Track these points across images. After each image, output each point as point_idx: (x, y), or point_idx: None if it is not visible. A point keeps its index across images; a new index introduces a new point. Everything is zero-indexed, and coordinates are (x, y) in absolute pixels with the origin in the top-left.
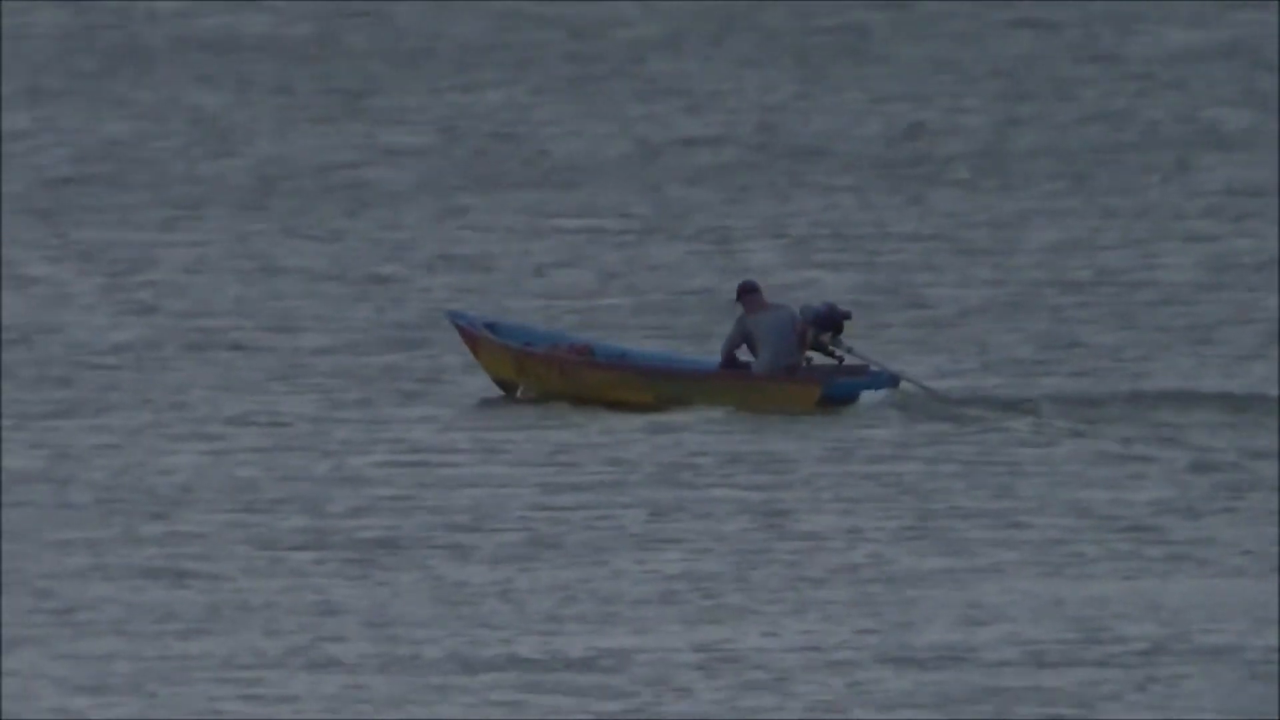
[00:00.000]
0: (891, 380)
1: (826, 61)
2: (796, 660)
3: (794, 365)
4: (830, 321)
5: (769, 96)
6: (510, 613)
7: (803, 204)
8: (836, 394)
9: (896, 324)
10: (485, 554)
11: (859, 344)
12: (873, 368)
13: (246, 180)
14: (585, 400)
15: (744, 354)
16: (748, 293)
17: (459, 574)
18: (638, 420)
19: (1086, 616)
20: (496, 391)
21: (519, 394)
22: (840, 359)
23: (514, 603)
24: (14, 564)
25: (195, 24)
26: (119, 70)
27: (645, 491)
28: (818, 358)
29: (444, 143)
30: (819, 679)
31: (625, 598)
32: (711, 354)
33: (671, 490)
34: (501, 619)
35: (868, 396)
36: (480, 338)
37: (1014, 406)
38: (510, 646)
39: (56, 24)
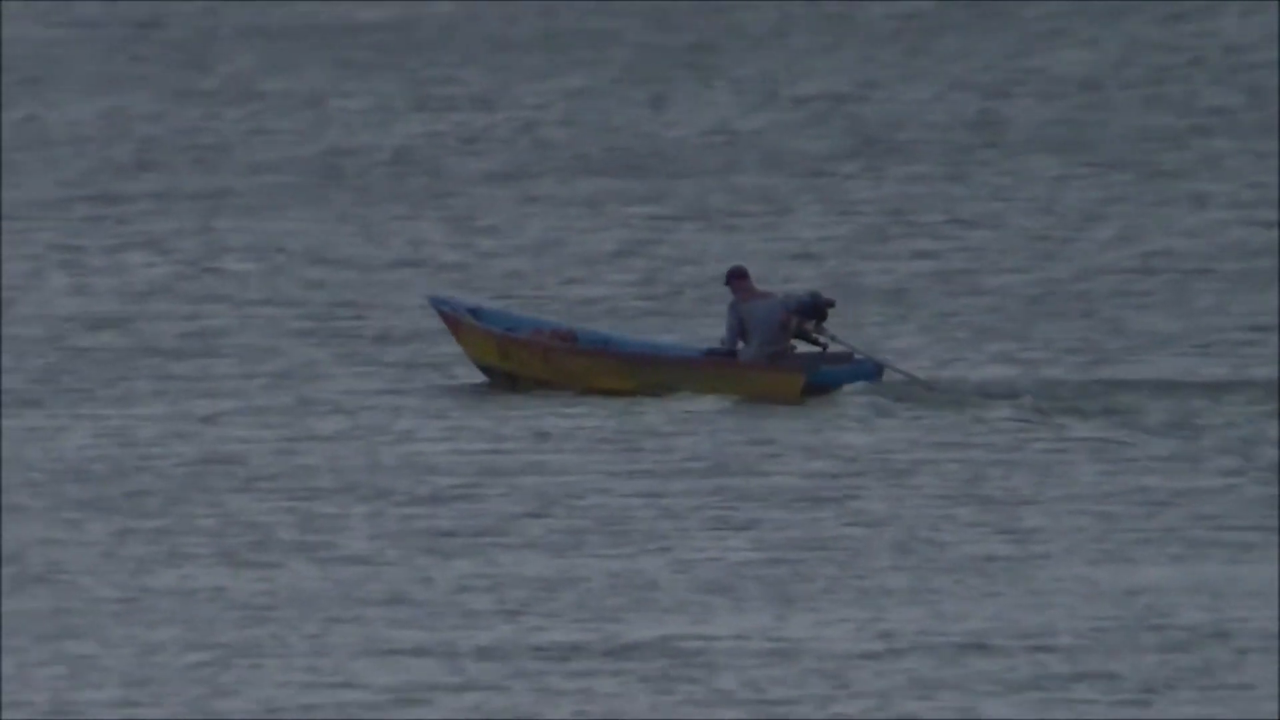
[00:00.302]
0: (875, 368)
1: (893, 48)
2: (856, 648)
3: (779, 353)
4: (814, 309)
5: (836, 83)
6: (571, 600)
7: (872, 191)
8: (821, 382)
9: (964, 311)
10: (548, 541)
11: (847, 332)
12: (857, 355)
13: (316, 167)
14: (568, 387)
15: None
16: (737, 277)
17: (521, 562)
18: (698, 407)
19: (1147, 602)
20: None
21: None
22: (824, 346)
23: (576, 590)
24: (76, 552)
25: (265, 10)
26: (187, 58)
27: (707, 479)
28: (802, 346)
29: (516, 130)
30: (880, 666)
31: (686, 585)
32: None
33: (733, 478)
34: (562, 607)
35: (852, 384)
36: (463, 323)
37: (1004, 395)
38: (571, 634)
39: (125, 12)
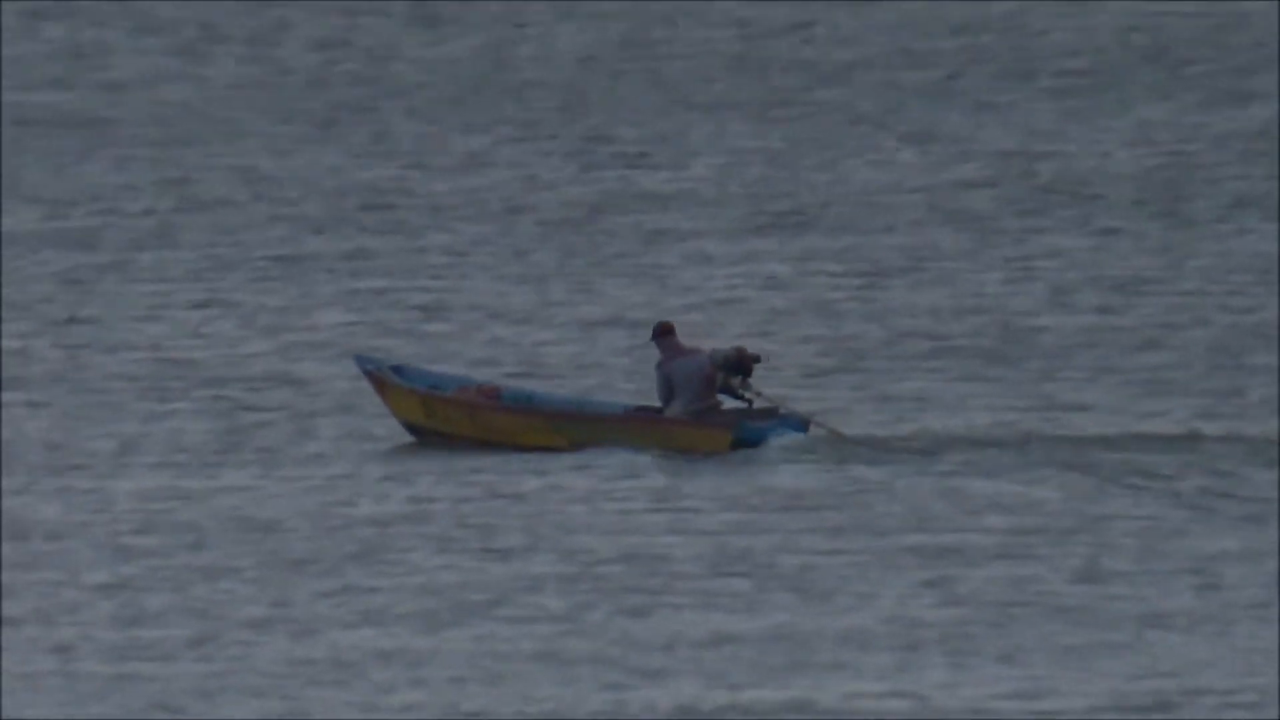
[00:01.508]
0: (801, 424)
1: (1076, 98)
2: (1025, 707)
3: (706, 409)
4: (740, 365)
5: (1016, 136)
6: (738, 659)
7: (1053, 244)
8: (747, 438)
9: (1146, 366)
10: (715, 600)
11: (774, 387)
12: (782, 411)
13: (506, 221)
14: (494, 444)
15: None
16: (664, 334)
17: (689, 620)
18: (862, 468)
19: None
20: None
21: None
22: (750, 402)
23: (743, 649)
24: (256, 610)
25: (445, 63)
26: (359, 111)
27: (873, 538)
28: (729, 402)
29: (705, 186)
30: None
31: (855, 643)
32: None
33: (900, 535)
34: (728, 666)
35: (778, 440)
36: (387, 382)
37: (928, 450)
38: (738, 693)
39: (303, 65)
